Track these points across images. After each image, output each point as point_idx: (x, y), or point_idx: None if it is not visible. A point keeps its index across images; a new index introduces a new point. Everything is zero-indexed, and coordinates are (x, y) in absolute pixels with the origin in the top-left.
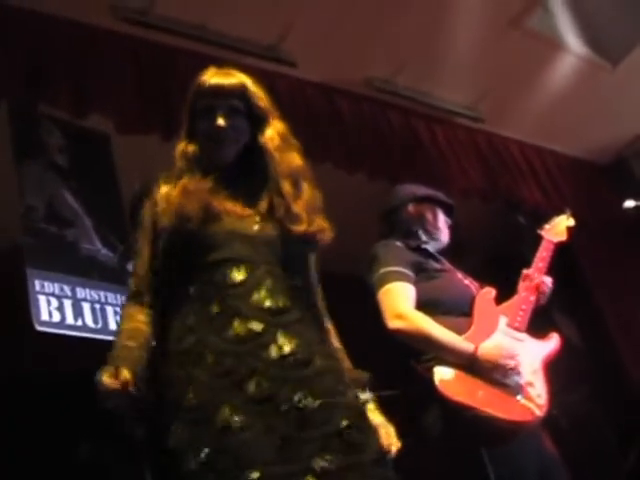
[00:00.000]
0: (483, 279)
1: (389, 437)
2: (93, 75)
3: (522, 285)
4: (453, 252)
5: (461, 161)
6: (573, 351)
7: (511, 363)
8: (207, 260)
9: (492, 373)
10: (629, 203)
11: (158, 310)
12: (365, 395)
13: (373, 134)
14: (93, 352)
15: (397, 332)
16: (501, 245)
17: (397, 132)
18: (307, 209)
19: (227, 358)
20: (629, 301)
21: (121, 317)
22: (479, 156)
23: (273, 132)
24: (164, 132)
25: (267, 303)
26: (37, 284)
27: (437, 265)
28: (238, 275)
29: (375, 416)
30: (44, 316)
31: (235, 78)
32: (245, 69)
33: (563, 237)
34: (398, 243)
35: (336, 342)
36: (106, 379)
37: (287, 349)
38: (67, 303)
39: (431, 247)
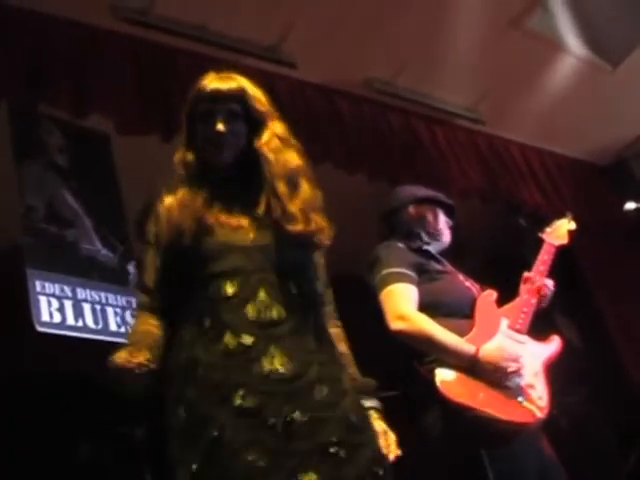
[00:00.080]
0: (483, 280)
1: (389, 445)
2: (93, 75)
3: (523, 288)
4: (453, 253)
5: (461, 162)
6: (573, 352)
7: (512, 365)
8: (202, 274)
9: (493, 375)
10: (630, 205)
11: (167, 322)
12: (369, 402)
13: (373, 135)
14: (93, 353)
15: (399, 333)
16: (501, 246)
17: (397, 133)
18: (305, 208)
19: (216, 372)
20: (629, 302)
21: (134, 323)
22: (479, 157)
23: (270, 134)
24: (164, 132)
25: (259, 315)
26: (38, 285)
27: (439, 267)
28: (231, 288)
29: (377, 424)
30: (45, 317)
31: (234, 82)
32: (245, 70)
33: (564, 240)
34: (400, 244)
35: (342, 347)
36: (120, 357)
37: (277, 362)
38: (68, 304)
39: (432, 248)
